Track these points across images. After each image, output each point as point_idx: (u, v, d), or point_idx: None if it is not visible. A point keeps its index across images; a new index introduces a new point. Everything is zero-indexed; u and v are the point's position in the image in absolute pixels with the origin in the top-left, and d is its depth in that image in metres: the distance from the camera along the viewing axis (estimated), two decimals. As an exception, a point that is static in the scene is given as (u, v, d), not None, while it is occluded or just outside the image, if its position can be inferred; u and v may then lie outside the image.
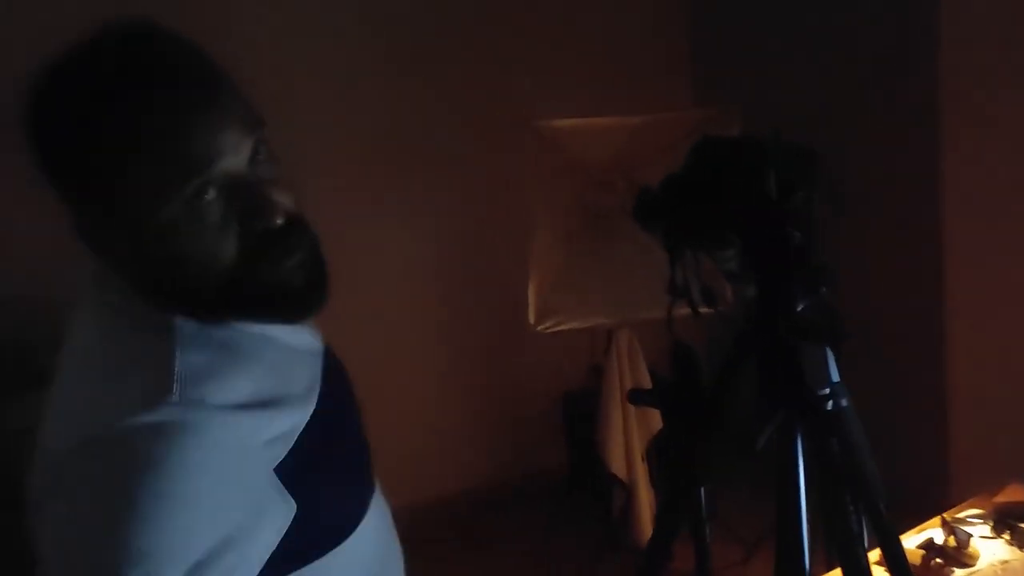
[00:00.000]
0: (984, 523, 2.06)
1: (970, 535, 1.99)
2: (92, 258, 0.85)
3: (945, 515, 2.11)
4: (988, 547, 1.97)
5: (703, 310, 1.32)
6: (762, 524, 2.34)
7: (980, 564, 1.92)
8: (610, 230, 3.01)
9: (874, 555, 1.35)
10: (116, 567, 0.72)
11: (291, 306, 0.86)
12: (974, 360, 3.07)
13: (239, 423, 0.80)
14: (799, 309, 1.21)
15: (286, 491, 0.82)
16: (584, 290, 2.97)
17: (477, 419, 3.71)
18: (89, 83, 0.77)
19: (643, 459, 3.03)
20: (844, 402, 1.24)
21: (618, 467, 3.00)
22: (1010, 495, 2.20)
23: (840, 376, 1.24)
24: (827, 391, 1.21)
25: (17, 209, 2.81)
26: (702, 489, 1.37)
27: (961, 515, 2.12)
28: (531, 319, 2.93)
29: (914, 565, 1.87)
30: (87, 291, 0.88)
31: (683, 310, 1.34)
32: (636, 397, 1.61)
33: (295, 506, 0.83)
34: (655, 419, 3.02)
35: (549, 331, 2.95)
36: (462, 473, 3.64)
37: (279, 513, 0.82)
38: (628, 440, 3.01)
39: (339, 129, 3.36)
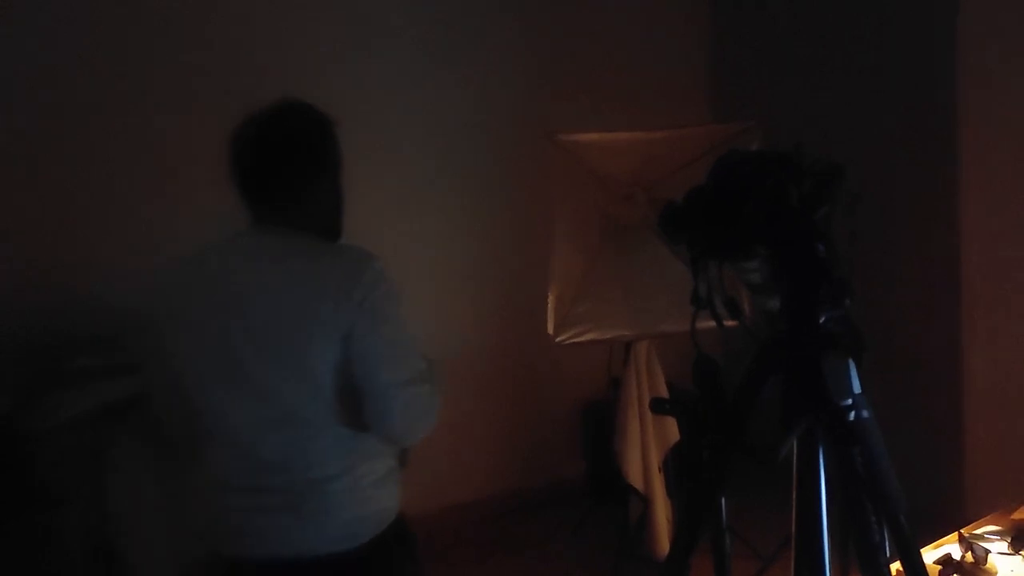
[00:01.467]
0: (1002, 539, 2.07)
1: (988, 551, 2.00)
2: (299, 221, 1.64)
3: (963, 531, 2.11)
4: (1006, 564, 1.98)
5: (727, 322, 1.34)
6: (777, 536, 2.35)
7: (998, 580, 1.93)
8: (630, 243, 3.04)
9: (893, 567, 1.36)
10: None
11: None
12: (990, 375, 3.07)
13: None
14: (822, 321, 1.24)
15: None
16: (603, 303, 2.99)
17: (497, 429, 3.73)
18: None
19: (660, 470, 3.04)
20: (866, 413, 1.25)
21: (635, 477, 3.01)
22: (1028, 512, 2.20)
23: (862, 387, 1.26)
24: (849, 402, 1.23)
25: (39, 216, 2.90)
26: (723, 501, 1.38)
27: (979, 531, 2.13)
28: (550, 331, 2.95)
29: (932, 580, 1.88)
30: (273, 240, 1.64)
31: (706, 322, 1.36)
32: (657, 406, 1.63)
33: None
34: (672, 430, 3.03)
35: (568, 343, 2.97)
36: (481, 481, 3.65)
37: None
38: (645, 451, 3.03)
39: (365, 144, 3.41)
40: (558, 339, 2.96)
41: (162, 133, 3.07)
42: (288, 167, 1.61)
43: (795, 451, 1.30)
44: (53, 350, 2.64)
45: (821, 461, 1.28)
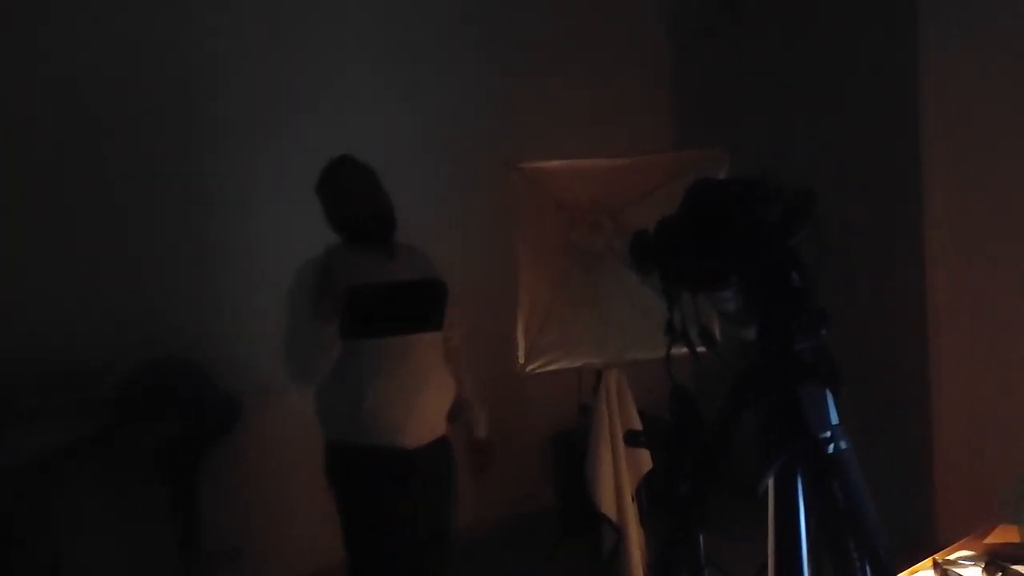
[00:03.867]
0: (975, 565, 2.06)
1: (962, 577, 1.99)
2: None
3: (936, 557, 2.11)
4: (981, 589, 1.97)
5: (701, 351, 1.32)
6: (751, 564, 2.32)
7: (974, 606, 1.92)
8: (597, 271, 3.02)
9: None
10: None
11: None
12: (959, 402, 3.10)
13: None
14: (799, 351, 1.22)
15: None
16: (572, 330, 2.97)
17: (464, 459, 3.67)
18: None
19: (633, 499, 3.00)
20: (844, 444, 1.23)
21: (608, 507, 2.97)
22: (1000, 536, 2.21)
23: (840, 418, 1.24)
24: (828, 434, 1.21)
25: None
26: (701, 536, 1.36)
27: (952, 556, 2.12)
28: (519, 360, 2.92)
29: (908, 608, 1.87)
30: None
31: (680, 351, 1.34)
32: (632, 439, 1.60)
33: None
34: (645, 458, 3.00)
35: (537, 372, 2.94)
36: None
37: None
38: (618, 480, 2.99)
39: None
40: (528, 368, 2.93)
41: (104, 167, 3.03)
42: None
43: (772, 483, 1.28)
44: (4, 390, 2.56)
45: (800, 493, 1.26)
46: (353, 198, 2.34)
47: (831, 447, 1.21)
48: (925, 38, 3.06)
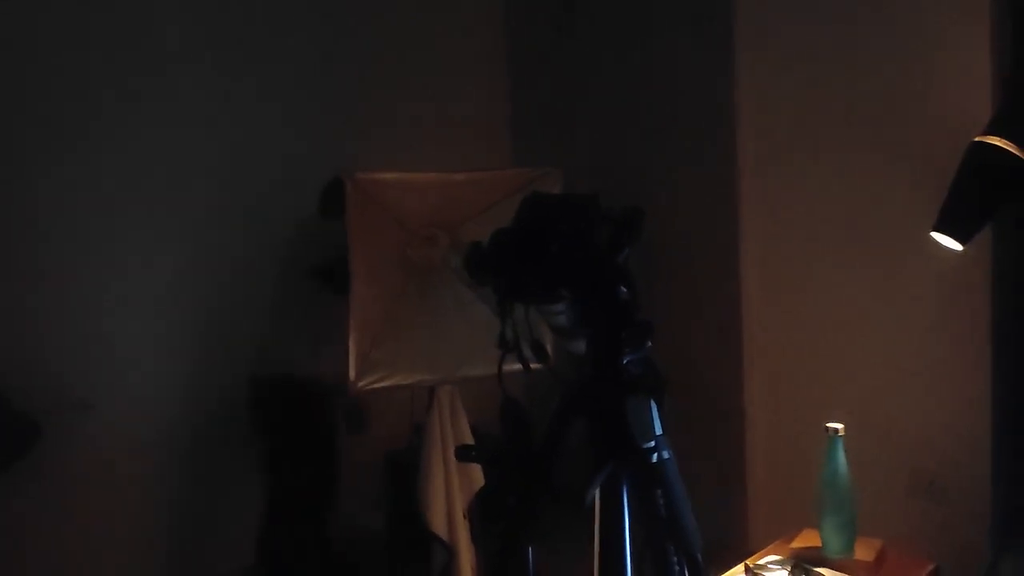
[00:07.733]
0: (783, 568, 2.20)
1: (771, 580, 2.12)
2: None
3: (747, 561, 2.23)
4: (787, 590, 2.10)
5: (534, 365, 1.33)
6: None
7: (781, 607, 2.04)
8: (432, 286, 3.01)
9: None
10: None
11: None
12: (769, 415, 3.30)
13: None
14: (625, 363, 1.25)
15: None
16: (405, 347, 2.92)
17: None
18: None
19: (465, 517, 2.99)
20: (667, 454, 1.27)
21: (439, 526, 2.94)
22: (804, 541, 2.37)
23: (663, 429, 1.28)
24: (652, 444, 1.25)
25: None
26: (530, 548, 1.36)
27: (762, 561, 2.25)
28: (351, 377, 2.84)
29: (723, 611, 1.96)
30: None
31: (513, 365, 1.34)
32: (463, 453, 1.59)
33: None
34: (478, 476, 3.00)
35: (369, 389, 2.87)
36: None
37: None
38: (450, 498, 2.97)
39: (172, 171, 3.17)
40: (359, 385, 2.85)
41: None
42: None
43: (599, 493, 1.30)
44: None
45: (625, 503, 1.29)
46: None
47: (655, 457, 1.25)
48: (740, 62, 3.25)
